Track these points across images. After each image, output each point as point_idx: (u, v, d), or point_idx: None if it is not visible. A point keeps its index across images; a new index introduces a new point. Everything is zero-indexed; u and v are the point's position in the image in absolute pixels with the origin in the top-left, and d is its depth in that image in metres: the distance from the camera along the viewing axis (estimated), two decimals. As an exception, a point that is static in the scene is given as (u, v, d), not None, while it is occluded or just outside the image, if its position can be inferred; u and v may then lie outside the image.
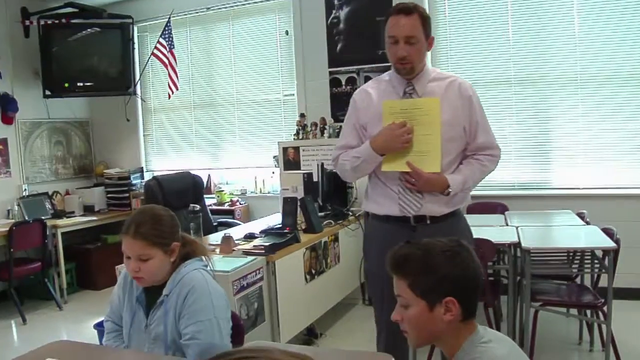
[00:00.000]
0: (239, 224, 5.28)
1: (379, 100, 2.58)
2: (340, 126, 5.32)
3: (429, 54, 2.77)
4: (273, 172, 6.03)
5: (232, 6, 6.28)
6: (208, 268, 2.21)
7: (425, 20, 2.48)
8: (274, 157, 5.79)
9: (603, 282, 3.58)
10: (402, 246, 1.65)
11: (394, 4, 5.31)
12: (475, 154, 2.63)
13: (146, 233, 2.05)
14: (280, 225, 4.13)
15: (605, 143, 5.05)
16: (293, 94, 6.08)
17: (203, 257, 2.22)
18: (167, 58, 6.22)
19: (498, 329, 3.92)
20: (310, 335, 4.33)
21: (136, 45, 6.75)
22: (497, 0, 5.28)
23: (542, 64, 5.19)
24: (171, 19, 6.26)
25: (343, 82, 5.73)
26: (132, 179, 6.54)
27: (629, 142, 5.02)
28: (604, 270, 3.51)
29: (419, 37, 2.45)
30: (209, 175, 6.50)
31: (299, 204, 4.15)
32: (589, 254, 3.80)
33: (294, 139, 5.62)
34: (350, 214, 4.91)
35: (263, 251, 3.55)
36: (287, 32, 6.05)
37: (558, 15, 5.12)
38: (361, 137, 2.64)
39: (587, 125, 5.09)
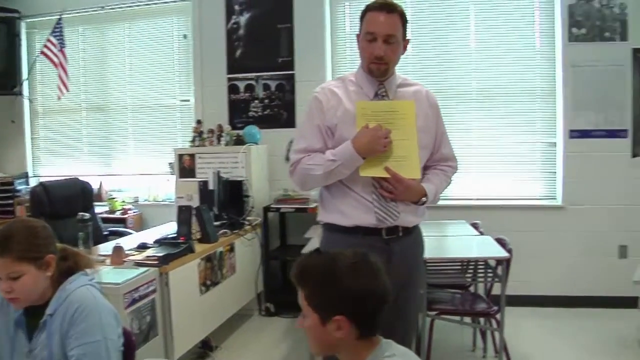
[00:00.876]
0: (132, 233, 5.21)
1: (349, 101, 2.44)
2: (238, 134, 5.50)
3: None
4: (168, 180, 5.98)
5: (128, 6, 6.20)
6: (94, 281, 2.07)
7: (405, 21, 2.42)
8: (169, 164, 5.76)
9: (496, 290, 3.80)
10: (308, 256, 1.68)
11: (295, 12, 5.65)
12: (438, 164, 2.60)
13: (13, 248, 1.89)
14: (175, 235, 4.07)
15: (497, 155, 5.41)
16: (190, 100, 6.07)
17: (88, 271, 2.09)
18: (58, 57, 6.05)
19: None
20: (205, 349, 4.31)
21: (23, 42, 6.51)
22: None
23: (441, 78, 5.50)
24: (63, 16, 6.11)
25: (241, 89, 5.80)
26: (16, 184, 6.30)
27: (520, 155, 5.46)
28: (497, 279, 3.72)
29: (398, 38, 2.38)
30: (100, 182, 6.35)
31: (194, 212, 4.13)
32: (483, 263, 3.98)
33: (190, 145, 5.60)
34: (247, 223, 4.97)
35: (156, 262, 3.48)
36: (185, 36, 6.04)
37: (455, 32, 5.47)
38: (326, 139, 2.44)
39: (480, 137, 5.44)
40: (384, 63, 2.38)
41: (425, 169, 2.56)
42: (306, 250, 3.89)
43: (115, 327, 2.01)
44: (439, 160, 2.60)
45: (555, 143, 5.47)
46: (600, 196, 5.36)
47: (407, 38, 2.46)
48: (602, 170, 5.34)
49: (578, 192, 5.38)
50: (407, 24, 2.44)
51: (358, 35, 2.45)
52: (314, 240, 4.30)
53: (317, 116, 2.46)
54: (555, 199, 5.51)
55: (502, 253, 3.68)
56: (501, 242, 3.94)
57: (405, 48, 2.47)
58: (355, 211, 2.42)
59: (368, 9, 2.42)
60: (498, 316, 3.71)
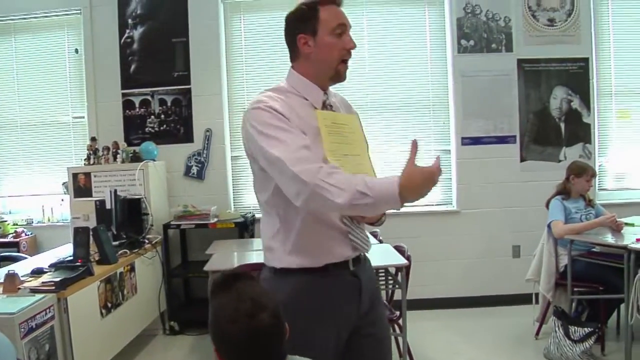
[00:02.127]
0: (26, 258, 5.11)
1: (305, 114, 2.07)
2: (134, 151, 5.54)
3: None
4: (62, 200, 5.92)
5: (13, 19, 6.09)
6: None
7: None
8: (63, 183, 5.71)
9: (397, 295, 4.03)
10: (217, 275, 1.68)
11: (190, 25, 5.81)
12: None
13: None
14: (72, 258, 4.01)
15: (394, 164, 5.71)
16: (83, 117, 6.03)
17: None
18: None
19: None
20: None
21: None
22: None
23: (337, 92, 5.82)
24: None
25: (137, 104, 5.84)
26: None
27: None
28: (397, 286, 3.94)
29: None
30: None
31: (91, 233, 4.08)
32: (383, 271, 4.22)
33: (84, 164, 5.55)
34: (147, 241, 5.01)
35: (53, 287, 3.42)
36: (77, 51, 6.01)
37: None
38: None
39: (376, 148, 5.65)
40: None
41: None
42: (208, 267, 4.07)
43: None
44: None
45: (449, 150, 5.89)
46: (493, 199, 5.80)
47: None
48: (493, 175, 5.78)
49: (472, 196, 5.81)
50: None
51: (303, 38, 2.10)
52: (215, 256, 4.43)
53: (285, 120, 1.99)
54: (451, 204, 5.92)
55: (401, 260, 3.90)
56: (400, 249, 4.18)
57: None
58: (328, 245, 2.07)
59: (320, 2, 2.08)
60: (400, 321, 3.93)
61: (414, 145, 1.89)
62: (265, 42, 5.89)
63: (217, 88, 5.83)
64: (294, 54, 2.17)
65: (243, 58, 5.96)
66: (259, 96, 2.09)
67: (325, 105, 2.15)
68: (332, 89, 2.25)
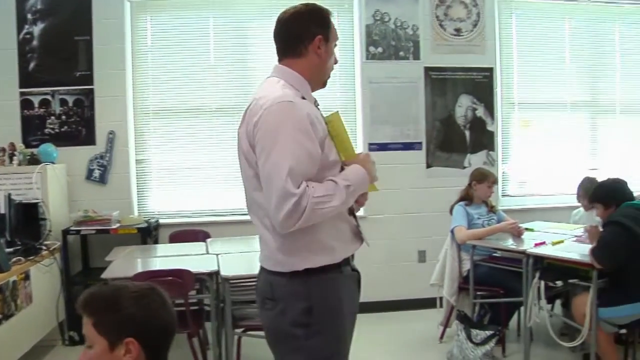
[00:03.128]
0: None
1: (317, 113, 2.15)
2: (32, 153, 5.34)
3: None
4: None
5: None
6: None
7: None
8: None
9: None
10: (95, 286, 1.74)
11: (94, 24, 5.69)
12: None
13: None
14: None
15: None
16: None
17: None
18: None
19: (205, 357, 4.26)
20: None
21: None
22: (199, 29, 5.87)
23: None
24: None
25: (36, 104, 5.64)
26: None
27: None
28: None
29: None
30: None
31: None
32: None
33: None
34: (44, 248, 4.83)
35: None
36: None
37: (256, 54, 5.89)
38: (318, 160, 2.06)
39: None
40: None
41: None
42: (107, 274, 4.02)
43: None
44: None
45: (356, 156, 6.00)
46: (399, 205, 5.93)
47: None
48: (400, 181, 5.90)
49: (378, 202, 5.90)
50: None
51: (321, 40, 2.17)
52: (116, 263, 4.37)
53: (310, 132, 2.02)
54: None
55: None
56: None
57: None
58: (344, 240, 2.16)
59: (328, 13, 2.23)
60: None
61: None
62: (173, 43, 5.83)
63: (121, 89, 5.71)
64: (297, 51, 2.18)
65: (149, 59, 5.87)
66: (281, 92, 2.08)
67: (316, 105, 2.23)
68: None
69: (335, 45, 2.24)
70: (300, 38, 2.16)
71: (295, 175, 1.94)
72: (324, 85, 2.27)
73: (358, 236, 2.23)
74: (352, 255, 2.24)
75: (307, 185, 1.96)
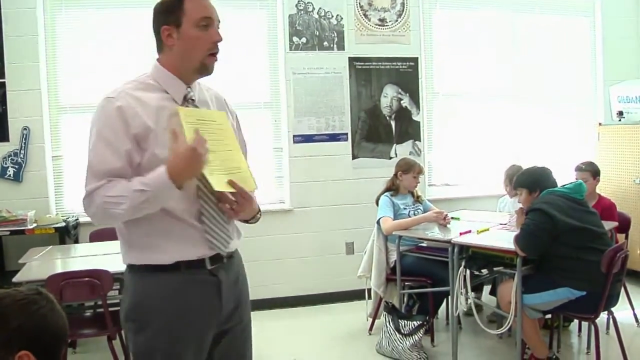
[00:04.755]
0: None
1: (160, 106, 2.04)
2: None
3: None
4: None
5: None
6: None
7: None
8: None
9: None
10: None
11: (2, 14, 5.34)
12: None
13: None
14: None
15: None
16: None
17: None
18: None
19: (127, 357, 4.10)
20: None
21: None
22: (117, 21, 5.63)
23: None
24: None
25: None
26: None
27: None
28: None
29: None
30: None
31: None
32: None
33: None
34: None
35: None
36: None
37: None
38: (131, 155, 1.99)
39: None
40: (218, 52, 2.12)
41: None
42: (20, 277, 3.80)
43: None
44: None
45: (281, 148, 5.88)
46: (325, 197, 5.87)
47: None
48: (326, 172, 5.86)
49: (304, 194, 5.85)
50: None
51: (167, 29, 2.07)
52: (33, 264, 4.17)
53: (116, 127, 1.98)
54: (283, 202, 5.92)
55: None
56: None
57: None
58: (178, 243, 2.04)
59: None
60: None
61: (174, 132, 1.92)
62: (93, 35, 5.57)
63: (35, 83, 5.42)
64: (159, 46, 2.13)
65: (66, 52, 5.59)
66: (118, 86, 2.07)
67: (187, 99, 2.13)
68: (207, 83, 2.30)
69: (205, 23, 2.07)
70: (156, 34, 2.13)
71: (93, 172, 1.98)
72: (205, 69, 2.15)
73: (206, 242, 2.08)
74: (221, 260, 2.14)
75: (106, 183, 1.95)
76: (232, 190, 2.06)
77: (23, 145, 5.44)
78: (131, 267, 2.10)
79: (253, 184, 2.20)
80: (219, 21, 2.12)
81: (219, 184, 2.02)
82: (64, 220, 5.23)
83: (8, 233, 5.09)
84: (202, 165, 1.92)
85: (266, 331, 5.09)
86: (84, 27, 5.53)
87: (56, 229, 5.11)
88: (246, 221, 2.23)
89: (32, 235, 5.09)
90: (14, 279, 3.73)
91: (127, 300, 2.09)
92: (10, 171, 5.44)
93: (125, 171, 1.97)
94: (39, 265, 4.21)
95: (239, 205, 2.10)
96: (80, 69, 5.55)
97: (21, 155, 5.44)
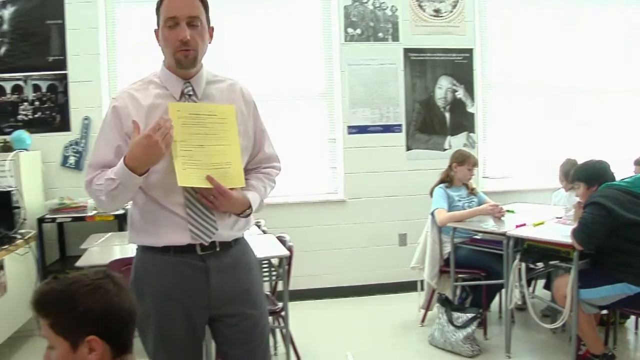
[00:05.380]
0: None
1: (153, 104, 2.21)
2: (5, 140, 5.27)
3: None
4: None
5: None
6: None
7: (206, 4, 2.24)
8: None
9: (279, 286, 4.03)
10: (45, 282, 1.61)
11: (66, 8, 5.56)
12: (260, 167, 2.45)
13: None
14: None
15: (280, 154, 5.77)
16: None
17: None
18: None
19: None
20: None
21: None
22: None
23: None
24: None
25: (8, 90, 5.51)
26: None
27: (302, 153, 5.85)
28: (280, 277, 3.92)
29: (202, 20, 2.20)
30: None
31: None
32: (266, 262, 4.16)
33: None
34: (19, 237, 4.74)
35: None
36: None
37: (237, 35, 5.81)
38: (122, 150, 2.17)
39: None
40: (192, 49, 2.17)
41: (247, 172, 2.38)
42: (83, 262, 3.93)
43: None
44: (261, 161, 2.46)
45: (335, 139, 5.92)
46: (379, 188, 5.88)
47: (211, 26, 2.30)
48: (379, 164, 5.86)
49: (358, 185, 5.89)
50: (209, 10, 2.28)
51: (156, 31, 2.25)
52: (93, 250, 4.27)
53: (113, 124, 2.21)
54: (337, 193, 5.96)
55: (282, 251, 3.88)
56: (281, 239, 4.14)
57: (211, 36, 2.30)
58: (165, 229, 2.22)
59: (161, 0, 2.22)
60: (283, 313, 3.92)
61: (134, 122, 2.13)
62: (151, 27, 5.67)
63: (95, 74, 5.58)
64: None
65: (126, 44, 5.72)
66: (125, 86, 2.30)
67: (184, 94, 2.23)
68: (228, 75, 2.40)
69: (171, 23, 2.17)
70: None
71: (91, 164, 2.26)
72: (179, 64, 2.21)
73: (186, 230, 2.22)
74: (213, 248, 2.28)
75: (99, 173, 2.19)
76: (202, 185, 2.16)
77: (84, 134, 5.61)
78: (138, 246, 2.34)
79: (237, 181, 2.24)
80: (193, 17, 2.18)
81: (185, 178, 2.13)
82: (123, 208, 5.35)
83: (69, 219, 5.27)
84: (159, 151, 2.04)
85: (317, 321, 5.18)
86: (142, 19, 5.62)
87: (115, 216, 5.22)
88: (238, 215, 2.31)
89: (92, 222, 5.23)
90: (77, 264, 3.84)
91: (132, 273, 2.33)
92: (72, 160, 5.61)
93: (115, 164, 2.14)
94: (99, 251, 4.30)
95: (215, 199, 2.18)
96: (138, 60, 5.65)
97: (82, 145, 5.62)
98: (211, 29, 2.30)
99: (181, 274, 2.24)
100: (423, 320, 5.01)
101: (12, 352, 4.70)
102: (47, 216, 5.26)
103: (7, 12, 5.52)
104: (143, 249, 2.32)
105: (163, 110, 2.18)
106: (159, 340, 2.27)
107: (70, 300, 1.55)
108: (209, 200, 2.19)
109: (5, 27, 5.54)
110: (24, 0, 5.51)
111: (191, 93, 2.25)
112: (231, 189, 2.21)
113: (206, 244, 2.24)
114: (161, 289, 2.22)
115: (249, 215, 2.34)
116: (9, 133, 5.36)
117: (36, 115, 5.59)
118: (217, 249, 2.28)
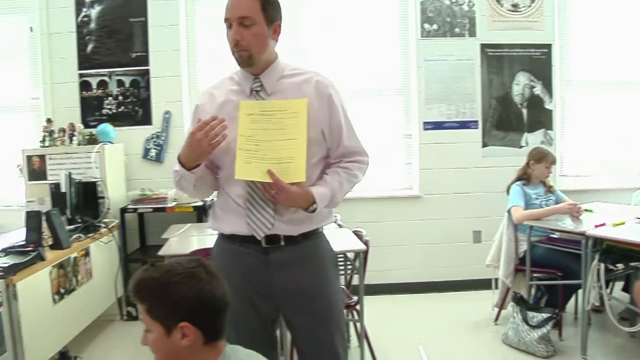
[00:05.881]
0: None
1: (226, 101, 2.32)
2: (91, 133, 5.48)
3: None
4: (17, 183, 5.69)
5: None
6: None
7: (266, 2, 2.24)
8: (18, 166, 5.53)
9: (355, 281, 4.05)
10: (143, 270, 1.70)
11: (149, 6, 5.73)
12: (341, 161, 2.40)
13: None
14: (24, 243, 3.92)
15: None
16: (39, 97, 5.87)
17: None
18: None
19: None
20: None
21: None
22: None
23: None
24: None
25: (94, 86, 5.73)
26: None
27: (377, 148, 5.79)
28: (355, 271, 3.94)
29: (257, 20, 2.21)
30: None
31: (43, 217, 3.99)
32: (342, 256, 4.19)
33: (39, 146, 5.42)
34: (103, 225, 4.93)
35: (1, 273, 3.37)
36: (31, 29, 5.83)
37: (312, 32, 5.85)
38: None
39: None
40: (244, 49, 2.22)
41: (327, 166, 2.40)
42: (164, 251, 4.05)
43: None
44: (342, 155, 2.40)
45: (410, 135, 5.91)
46: (454, 185, 5.84)
47: (276, 21, 2.30)
48: (455, 160, 5.82)
49: (433, 181, 5.85)
50: (275, 7, 2.30)
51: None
52: (172, 240, 4.38)
53: (193, 122, 2.35)
54: (412, 189, 5.96)
55: (359, 245, 3.89)
56: (358, 234, 4.16)
57: (276, 33, 2.31)
58: (232, 217, 2.31)
59: None
60: (358, 307, 3.93)
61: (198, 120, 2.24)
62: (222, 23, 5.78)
63: (176, 69, 5.75)
64: None
65: (205, 40, 5.87)
66: (211, 84, 2.47)
67: (252, 91, 2.31)
68: (308, 66, 2.42)
69: (227, 24, 2.30)
70: None
71: (177, 157, 2.30)
72: (239, 64, 2.32)
73: (244, 220, 2.31)
74: (277, 242, 2.33)
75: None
76: (260, 179, 2.21)
77: (164, 128, 5.79)
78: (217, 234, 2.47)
79: (297, 176, 2.22)
80: (244, 17, 2.24)
81: (245, 172, 2.22)
82: (202, 200, 5.48)
83: (150, 210, 5.45)
84: (201, 149, 2.16)
85: (390, 316, 5.20)
86: (221, 16, 5.72)
87: (194, 207, 5.38)
88: (305, 210, 2.30)
89: (172, 212, 5.39)
90: (160, 253, 3.97)
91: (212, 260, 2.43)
92: (153, 152, 5.79)
93: None
94: (178, 241, 4.42)
95: (276, 193, 2.20)
96: (217, 55, 5.76)
97: (162, 138, 5.79)
98: (277, 25, 2.31)
99: (247, 265, 2.32)
100: (497, 319, 4.95)
101: (95, 335, 4.90)
102: (129, 206, 5.46)
103: (94, 11, 5.74)
104: (219, 237, 2.45)
105: (233, 106, 2.28)
106: (230, 325, 2.25)
107: (165, 288, 1.63)
108: (270, 194, 2.22)
109: (92, 25, 5.76)
110: (109, 0, 5.71)
111: (259, 89, 2.31)
112: (293, 183, 2.21)
113: (259, 237, 2.29)
114: (229, 276, 2.19)
115: (314, 210, 2.29)
116: (94, 126, 5.60)
117: (120, 110, 5.81)
118: (282, 243, 2.32)
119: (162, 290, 1.63)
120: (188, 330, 1.62)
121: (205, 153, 2.20)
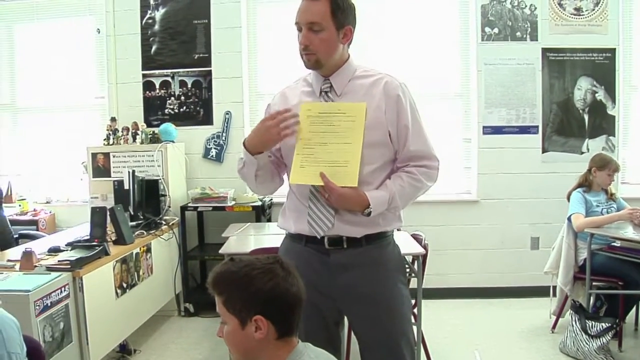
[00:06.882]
0: (44, 236, 5.09)
1: (297, 101, 2.35)
2: (154, 132, 5.56)
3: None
4: (81, 179, 5.93)
5: (36, 1, 6.06)
6: None
7: (336, 7, 2.22)
8: (82, 163, 5.69)
9: (413, 284, 3.94)
10: (223, 263, 1.75)
11: (212, 8, 5.79)
12: (407, 165, 2.34)
13: None
14: (89, 237, 4.04)
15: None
16: (104, 97, 6.00)
17: None
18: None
19: None
20: (123, 352, 4.35)
21: None
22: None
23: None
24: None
25: (157, 86, 5.84)
26: None
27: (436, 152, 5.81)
28: (413, 275, 3.90)
29: (325, 25, 2.21)
30: (9, 182, 6.20)
31: (108, 213, 4.10)
32: None
33: (104, 144, 5.53)
34: (164, 223, 5.03)
35: (69, 266, 3.45)
36: (98, 30, 5.97)
37: (374, 35, 5.81)
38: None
39: None
40: (311, 53, 2.24)
41: (394, 170, 2.38)
42: (224, 250, 4.05)
43: (17, 340, 2.08)
44: (409, 159, 2.34)
45: (470, 139, 5.83)
46: (513, 190, 5.74)
47: (347, 26, 2.28)
48: (514, 165, 5.72)
49: (492, 186, 5.75)
50: (346, 12, 2.27)
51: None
52: (231, 239, 4.41)
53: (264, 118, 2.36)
54: (470, 193, 5.88)
55: (418, 249, 3.86)
56: (417, 237, 4.13)
57: (346, 37, 2.30)
58: (298, 216, 2.34)
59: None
60: (415, 310, 3.88)
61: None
62: (288, 27, 5.78)
63: (237, 71, 5.82)
64: None
65: (266, 42, 5.91)
66: (287, 84, 2.52)
67: (322, 92, 2.34)
68: (380, 68, 2.41)
69: (298, 28, 2.30)
70: None
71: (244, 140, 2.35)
72: (308, 67, 2.34)
73: (306, 220, 2.33)
74: (340, 244, 2.33)
75: None
76: (313, 182, 2.24)
77: (225, 128, 5.83)
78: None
79: (349, 180, 2.20)
80: (313, 23, 2.23)
81: (299, 176, 2.27)
82: (260, 200, 5.50)
83: (210, 209, 5.50)
84: (270, 136, 2.22)
85: (446, 320, 5.13)
86: (281, 19, 5.75)
87: (253, 207, 5.41)
88: (362, 213, 2.26)
89: (231, 212, 5.42)
90: (221, 251, 3.98)
91: None
92: (213, 152, 5.84)
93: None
94: (236, 240, 4.44)
95: (329, 197, 2.23)
96: (276, 58, 5.82)
97: (223, 138, 5.83)
98: (348, 30, 2.30)
99: (311, 266, 2.31)
100: (554, 327, 4.84)
101: (153, 330, 4.98)
102: (190, 205, 5.52)
103: (159, 13, 5.86)
104: (286, 236, 2.49)
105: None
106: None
107: (243, 281, 1.67)
108: (325, 196, 2.24)
109: (156, 27, 5.88)
110: (174, 2, 5.84)
111: (328, 90, 2.32)
112: (345, 187, 2.21)
113: (319, 236, 2.30)
114: None
115: (369, 214, 2.25)
116: (157, 126, 5.70)
117: (182, 110, 5.90)
118: (345, 245, 2.31)
119: (239, 283, 1.67)
120: (262, 323, 1.65)
121: (271, 141, 2.25)
